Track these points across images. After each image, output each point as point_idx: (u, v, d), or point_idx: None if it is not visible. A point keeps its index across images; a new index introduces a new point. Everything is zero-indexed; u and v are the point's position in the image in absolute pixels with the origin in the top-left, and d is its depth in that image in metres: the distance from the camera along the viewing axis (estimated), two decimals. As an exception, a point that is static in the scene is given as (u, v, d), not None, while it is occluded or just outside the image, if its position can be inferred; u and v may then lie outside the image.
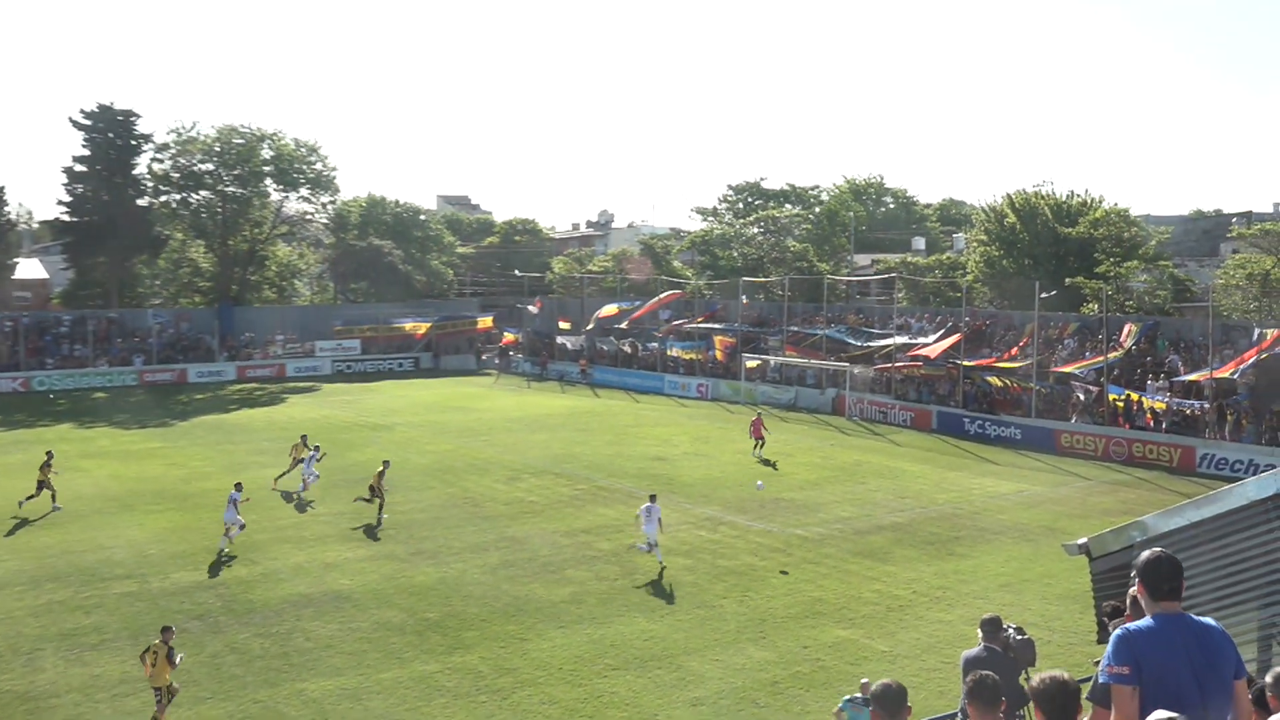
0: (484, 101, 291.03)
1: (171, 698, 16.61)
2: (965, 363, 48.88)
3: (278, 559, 26.19)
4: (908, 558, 26.48)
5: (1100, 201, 59.58)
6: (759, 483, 34.43)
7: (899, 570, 25.34)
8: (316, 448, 35.09)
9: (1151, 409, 42.02)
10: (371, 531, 28.75)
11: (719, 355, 62.80)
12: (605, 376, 66.80)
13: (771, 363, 58.88)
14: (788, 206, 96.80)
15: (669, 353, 65.23)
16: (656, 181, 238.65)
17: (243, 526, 27.30)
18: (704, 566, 25.61)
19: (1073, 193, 60.19)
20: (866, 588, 23.87)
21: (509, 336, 76.08)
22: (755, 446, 41.44)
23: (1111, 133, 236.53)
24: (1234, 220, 69.11)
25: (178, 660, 16.59)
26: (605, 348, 70.35)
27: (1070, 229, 57.33)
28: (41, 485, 30.51)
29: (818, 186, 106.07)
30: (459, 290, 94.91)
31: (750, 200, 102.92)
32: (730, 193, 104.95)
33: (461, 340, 78.06)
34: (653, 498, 26.75)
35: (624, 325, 68.87)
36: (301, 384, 66.49)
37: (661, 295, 70.17)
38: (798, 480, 36.37)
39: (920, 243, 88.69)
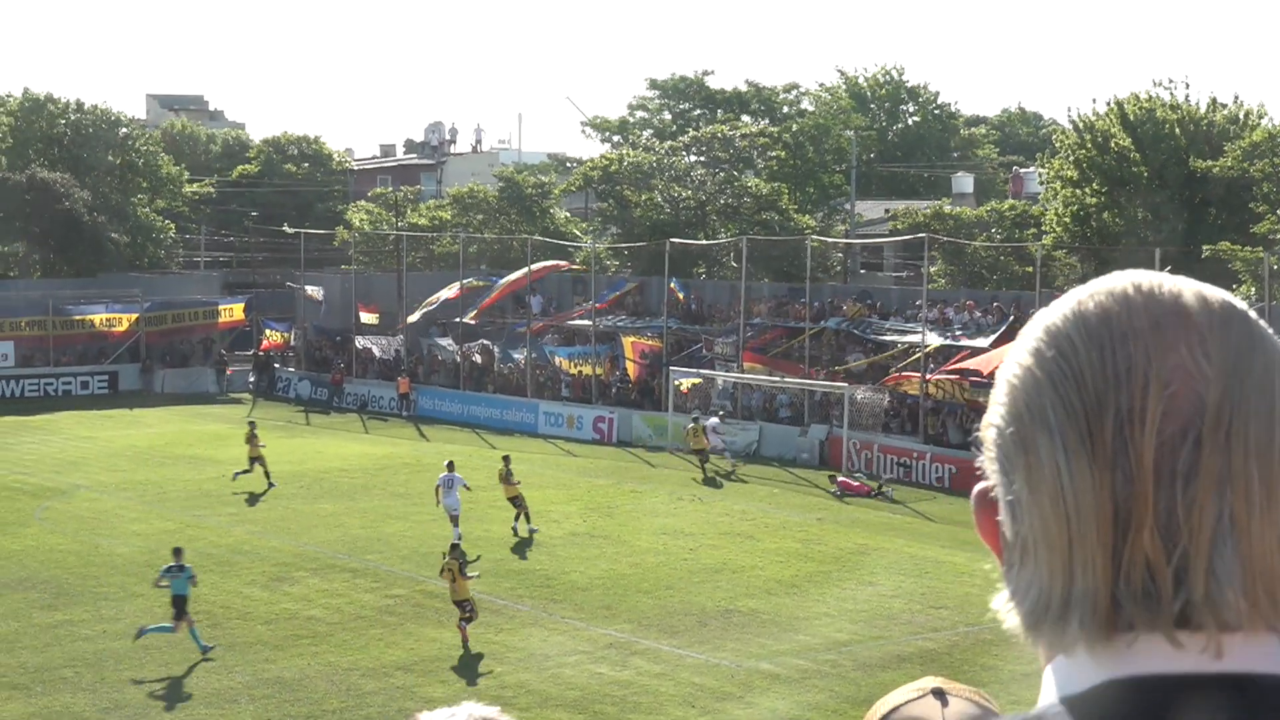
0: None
1: (473, 614, 30.21)
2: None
3: None
4: (946, 708, 26.87)
5: (1261, 117, 60.50)
6: None
7: (932, 729, 25.67)
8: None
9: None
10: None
11: (631, 369, 62.96)
12: (440, 404, 66.87)
13: (719, 383, 59.13)
14: (746, 120, 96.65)
15: (552, 363, 64.82)
16: (525, 81, 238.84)
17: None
18: (605, 727, 25.59)
19: (1215, 100, 61.04)
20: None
21: (274, 337, 75.88)
22: None
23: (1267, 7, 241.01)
24: None
25: (470, 574, 30.73)
26: (440, 356, 69.98)
27: (1211, 162, 57.89)
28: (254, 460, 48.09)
29: (796, 87, 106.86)
30: (186, 258, 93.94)
31: (685, 109, 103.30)
32: (651, 95, 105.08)
33: (192, 343, 77.61)
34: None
35: (470, 318, 68.94)
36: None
37: (534, 268, 70.10)
38: (762, 579, 36.56)
39: (967, 183, 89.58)
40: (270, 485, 47.57)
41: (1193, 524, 1.51)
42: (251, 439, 48.48)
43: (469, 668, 28.99)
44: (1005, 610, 1.66)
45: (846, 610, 33.40)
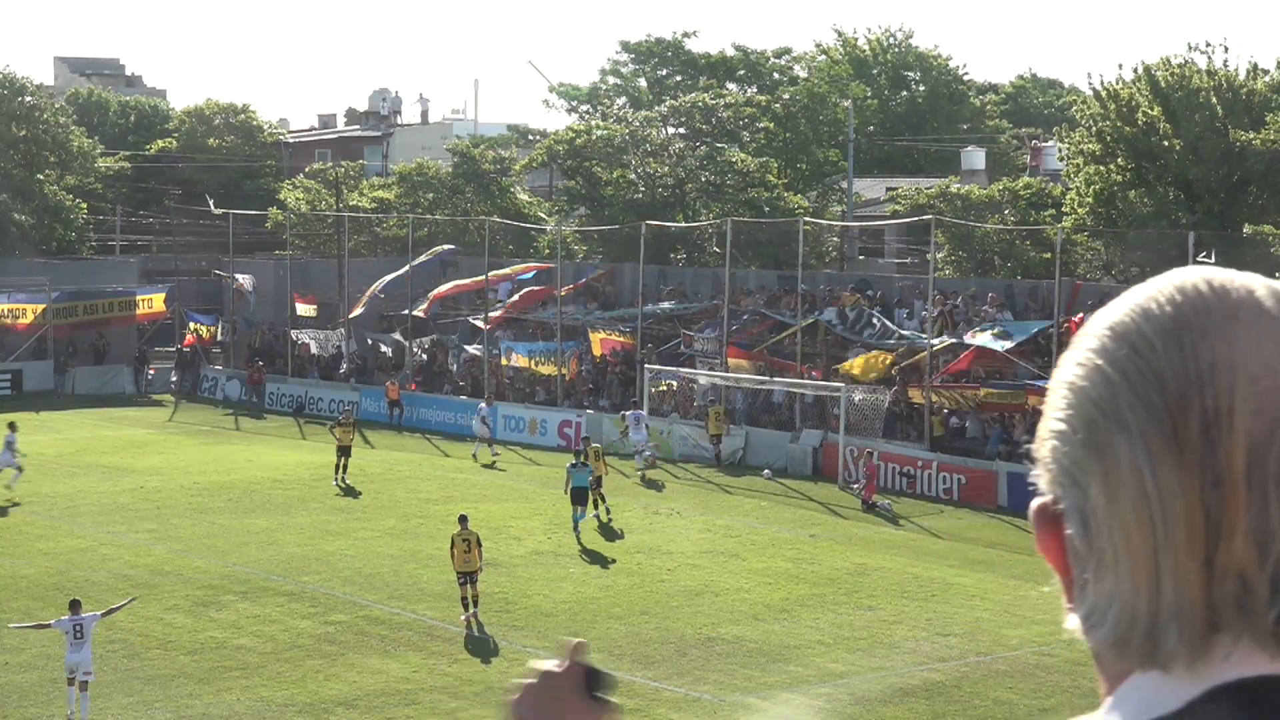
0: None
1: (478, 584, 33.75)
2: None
3: None
4: (954, 748, 26.85)
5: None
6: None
7: (938, 772, 25.68)
8: None
9: None
10: None
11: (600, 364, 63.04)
12: (385, 406, 66.56)
13: (701, 382, 59.06)
14: (731, 88, 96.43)
15: (503, 361, 65.21)
16: (482, 43, 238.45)
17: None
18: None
19: (1255, 66, 60.90)
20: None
21: (199, 331, 75.63)
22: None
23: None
24: None
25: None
26: (386, 349, 70.25)
27: (1252, 135, 57.66)
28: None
29: (788, 52, 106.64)
30: (100, 242, 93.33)
31: (662, 75, 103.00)
32: (624, 59, 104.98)
33: (107, 338, 77.24)
34: None
35: (420, 311, 69.01)
36: None
37: (514, 268, 70.36)
38: (748, 603, 36.53)
39: (978, 158, 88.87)
40: (339, 485, 50.76)
41: None
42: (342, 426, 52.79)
43: (418, 702, 28.66)
44: (1082, 630, 1.70)
45: (843, 638, 33.14)
